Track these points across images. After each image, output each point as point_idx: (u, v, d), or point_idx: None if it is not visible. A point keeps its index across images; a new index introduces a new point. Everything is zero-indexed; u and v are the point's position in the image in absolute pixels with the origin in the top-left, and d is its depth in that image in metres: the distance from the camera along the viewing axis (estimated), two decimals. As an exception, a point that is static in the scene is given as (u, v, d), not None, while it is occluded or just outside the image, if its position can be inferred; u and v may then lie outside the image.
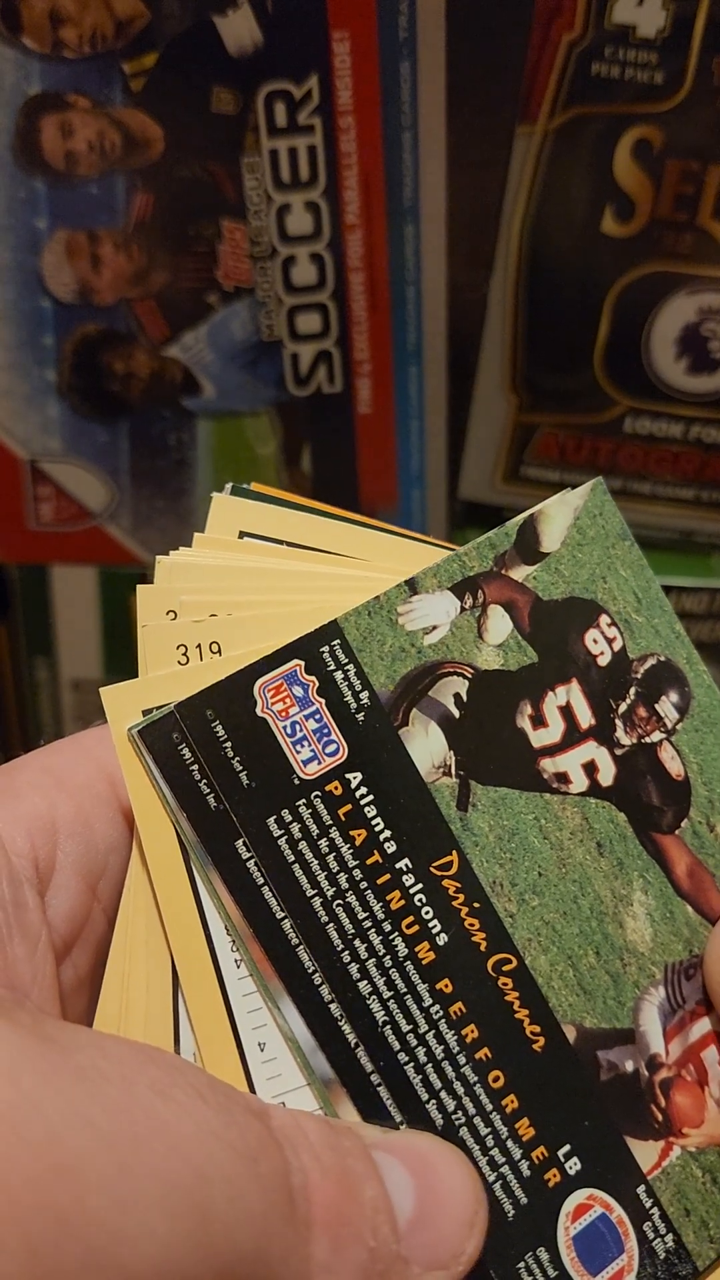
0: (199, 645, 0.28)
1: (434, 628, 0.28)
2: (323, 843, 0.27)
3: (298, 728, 0.27)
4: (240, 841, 0.27)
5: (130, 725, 0.27)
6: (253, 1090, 0.27)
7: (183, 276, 0.48)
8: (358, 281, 0.48)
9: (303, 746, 0.28)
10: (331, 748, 0.28)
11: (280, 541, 0.29)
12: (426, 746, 0.28)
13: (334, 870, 0.27)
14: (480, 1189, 0.26)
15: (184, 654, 0.28)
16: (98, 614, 0.56)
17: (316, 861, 0.27)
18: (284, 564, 0.29)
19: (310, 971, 0.27)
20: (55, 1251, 0.19)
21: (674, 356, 0.49)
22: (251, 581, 0.29)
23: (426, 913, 0.27)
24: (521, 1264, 0.27)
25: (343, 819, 0.27)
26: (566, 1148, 0.27)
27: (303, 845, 0.27)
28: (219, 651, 0.28)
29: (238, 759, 0.27)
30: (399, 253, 0.48)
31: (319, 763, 0.28)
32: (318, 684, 0.28)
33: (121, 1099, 0.21)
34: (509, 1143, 0.27)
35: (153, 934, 0.28)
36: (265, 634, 0.28)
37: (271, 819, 0.27)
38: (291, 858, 0.27)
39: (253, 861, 0.27)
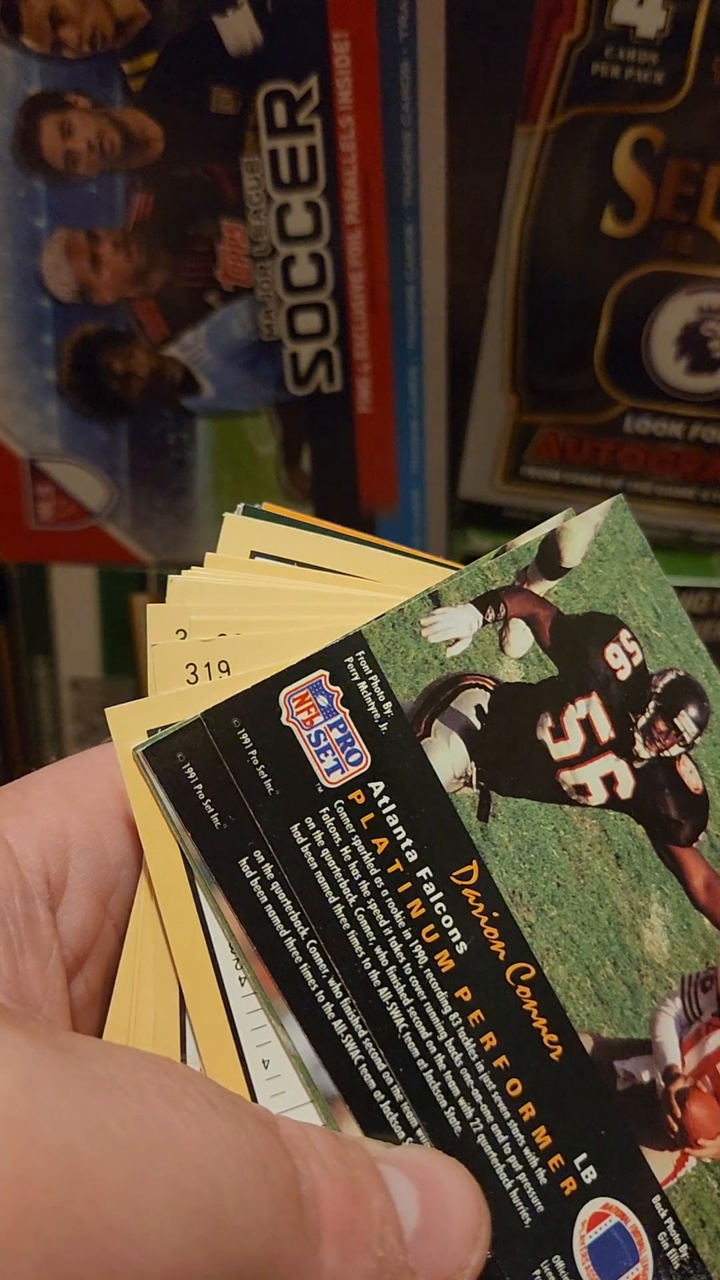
0: (208, 664, 0.28)
1: (456, 640, 0.29)
2: (345, 850, 0.28)
3: (322, 737, 0.28)
4: (244, 860, 0.28)
5: (135, 745, 0.28)
6: None
7: (182, 276, 0.48)
8: (357, 281, 0.48)
9: (326, 755, 0.28)
10: (355, 757, 0.28)
11: (291, 561, 0.30)
12: (448, 757, 0.28)
13: (356, 878, 0.28)
14: (483, 1202, 0.26)
15: (193, 673, 0.28)
16: (97, 613, 0.56)
17: (339, 869, 0.28)
18: (294, 584, 0.29)
19: (313, 989, 0.27)
20: (72, 1256, 0.20)
21: (674, 356, 0.49)
22: (262, 601, 0.29)
23: (447, 921, 0.28)
24: (537, 1271, 0.27)
25: (365, 827, 0.28)
26: (583, 1156, 0.28)
27: (325, 853, 0.28)
28: (228, 671, 0.28)
29: (263, 767, 0.28)
30: (399, 252, 0.48)
31: (342, 771, 0.28)
32: (342, 694, 0.28)
33: (135, 1108, 0.21)
34: (526, 1150, 0.28)
35: (160, 951, 0.28)
36: (275, 654, 0.28)
37: (295, 826, 0.28)
38: (315, 865, 0.28)
39: (256, 880, 0.28)
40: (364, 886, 0.28)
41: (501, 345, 0.49)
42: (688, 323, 0.48)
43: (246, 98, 0.45)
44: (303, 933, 0.28)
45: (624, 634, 0.30)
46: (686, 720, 0.30)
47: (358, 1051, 0.28)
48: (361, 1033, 0.27)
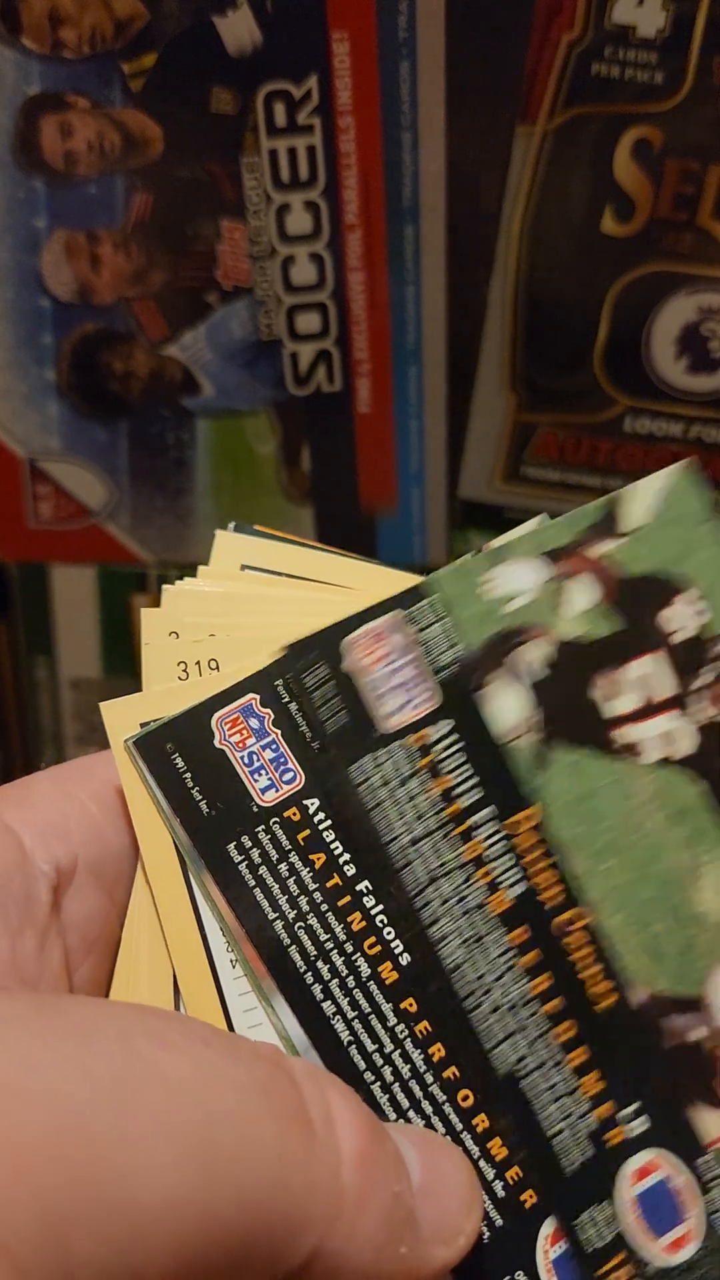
0: (199, 662, 0.30)
1: (518, 594, 0.29)
2: (403, 789, 0.29)
3: (394, 672, 0.29)
4: (232, 845, 0.28)
5: (126, 737, 0.29)
6: None
7: (182, 276, 0.48)
8: (357, 281, 0.48)
9: (398, 694, 0.29)
10: (420, 700, 0.29)
11: (279, 573, 0.31)
12: (506, 708, 0.29)
13: (412, 817, 0.29)
14: (476, 1178, 0.26)
15: (184, 670, 0.30)
16: (97, 613, 0.56)
17: (396, 810, 0.29)
18: (282, 590, 0.31)
19: (302, 971, 0.28)
20: (69, 1200, 0.20)
21: (674, 356, 0.49)
22: (251, 607, 0.30)
23: (503, 863, 0.29)
24: (585, 1215, 0.28)
25: (426, 769, 0.29)
26: (634, 1106, 0.28)
27: (384, 790, 0.29)
28: (217, 668, 0.30)
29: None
30: (399, 252, 0.48)
31: (411, 709, 0.29)
32: (413, 634, 0.29)
33: (118, 1049, 0.22)
34: (577, 1094, 0.28)
35: (155, 936, 0.29)
36: (261, 652, 0.29)
37: (354, 765, 0.29)
38: (373, 802, 0.29)
39: (245, 865, 0.28)
40: (431, 822, 0.29)
41: (501, 345, 0.49)
42: (687, 322, 0.48)
43: (246, 98, 0.45)
44: (290, 915, 0.28)
45: (688, 594, 0.30)
46: None
47: (347, 1033, 0.28)
48: (351, 1014, 0.28)
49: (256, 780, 0.29)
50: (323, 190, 0.46)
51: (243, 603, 0.30)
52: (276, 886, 0.28)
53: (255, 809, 0.29)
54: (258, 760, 0.29)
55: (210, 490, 0.53)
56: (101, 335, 0.49)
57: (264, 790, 0.29)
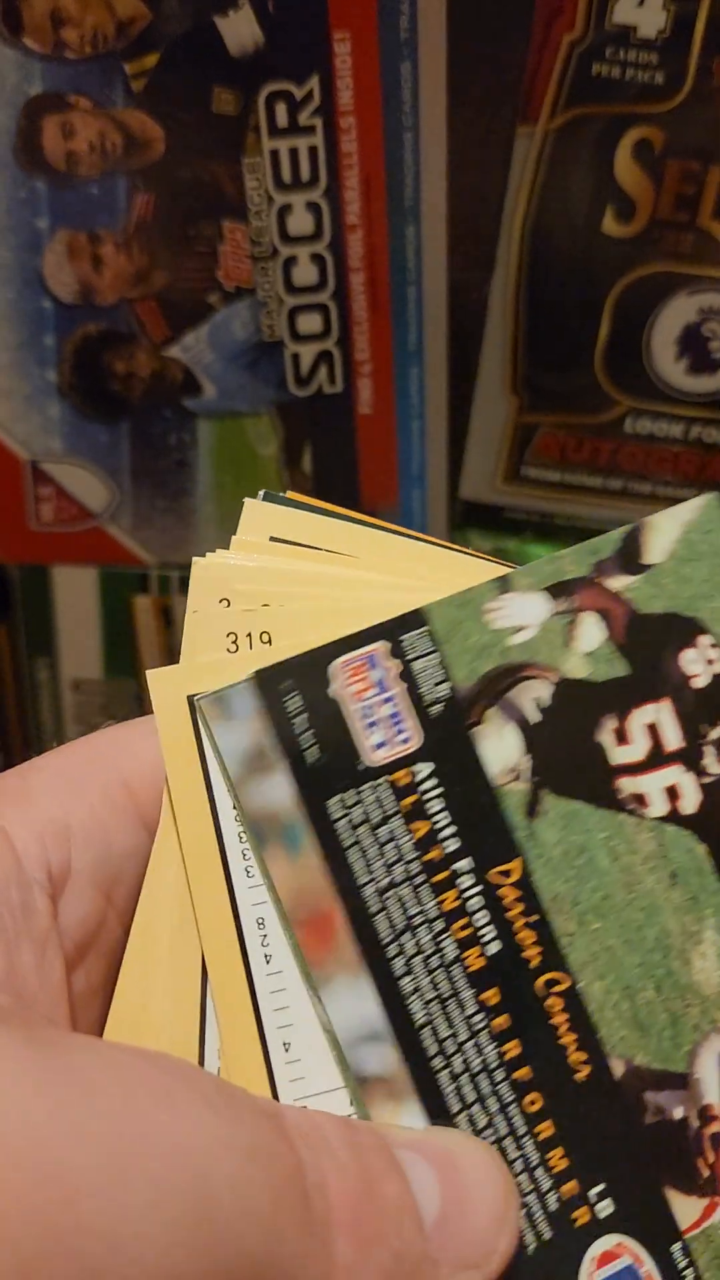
0: (250, 634, 0.28)
1: (522, 628, 0.28)
2: (381, 831, 0.27)
3: (371, 711, 0.27)
4: (334, 800, 0.27)
5: (202, 695, 0.27)
6: (274, 1091, 0.27)
7: (184, 277, 0.48)
8: (358, 282, 0.48)
9: (374, 730, 0.27)
10: (403, 736, 0.27)
11: (309, 546, 0.29)
12: (500, 748, 0.27)
13: (390, 861, 0.27)
14: (512, 1186, 0.25)
15: (234, 641, 0.28)
16: (98, 614, 0.56)
17: (375, 849, 0.27)
18: (332, 570, 0.29)
19: (386, 942, 0.27)
20: (48, 1264, 0.19)
21: (674, 357, 0.49)
22: (300, 585, 0.29)
23: (480, 918, 0.27)
24: None
25: (407, 809, 0.27)
26: (600, 1187, 0.26)
27: (362, 830, 0.27)
28: (269, 642, 0.28)
29: (306, 734, 0.27)
30: (400, 253, 0.48)
31: (389, 749, 0.27)
32: (398, 669, 0.27)
33: (117, 1106, 0.21)
34: (539, 1171, 0.26)
35: (174, 936, 0.27)
36: (318, 626, 0.28)
37: (332, 800, 0.27)
38: (350, 842, 0.27)
39: (344, 821, 0.27)
40: (397, 871, 0.27)
41: (502, 346, 0.49)
42: (688, 323, 0.48)
43: (248, 98, 0.45)
44: (383, 882, 0.27)
45: (706, 639, 0.28)
46: None
47: (423, 1014, 0.27)
48: (430, 995, 0.27)
49: (370, 735, 0.27)
50: (324, 191, 0.46)
51: (292, 579, 0.29)
52: (374, 850, 0.27)
53: (362, 766, 0.27)
54: (374, 714, 0.27)
55: (212, 491, 0.53)
56: (103, 336, 0.49)
57: (376, 747, 0.27)
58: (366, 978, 0.27)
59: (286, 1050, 0.27)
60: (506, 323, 0.49)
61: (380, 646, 0.27)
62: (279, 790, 0.27)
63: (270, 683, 0.27)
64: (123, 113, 0.45)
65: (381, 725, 0.27)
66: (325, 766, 0.27)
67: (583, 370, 0.50)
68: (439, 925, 0.27)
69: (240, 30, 0.44)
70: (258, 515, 0.29)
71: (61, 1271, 0.19)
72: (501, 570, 0.29)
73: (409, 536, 0.29)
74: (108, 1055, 0.22)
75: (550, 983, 0.27)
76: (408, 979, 0.27)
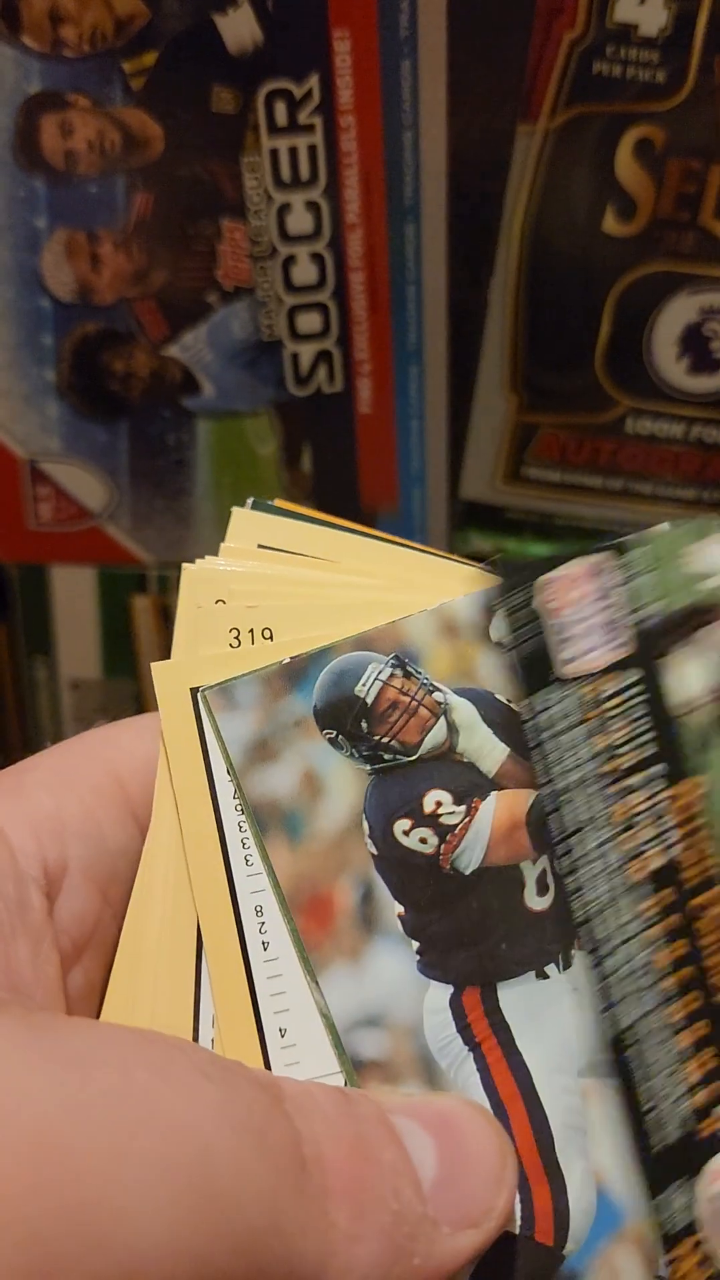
0: (251, 630, 0.29)
1: (713, 575, 0.29)
2: (574, 734, 0.28)
3: (584, 619, 0.28)
4: (538, 696, 0.28)
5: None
6: None
7: (182, 276, 0.48)
8: (358, 281, 0.48)
9: (584, 639, 0.28)
10: (610, 646, 0.28)
11: (297, 554, 0.30)
12: (684, 681, 0.29)
13: (577, 762, 0.28)
14: (507, 1145, 0.25)
15: (235, 637, 0.29)
16: (97, 614, 0.56)
17: (563, 750, 0.28)
18: (320, 575, 0.30)
19: (554, 841, 0.28)
20: (57, 1236, 0.19)
21: (675, 356, 0.49)
22: (292, 587, 0.30)
23: (661, 824, 0.28)
24: (664, 1196, 0.27)
25: (601, 714, 0.28)
26: None
27: (560, 727, 0.28)
28: (271, 637, 0.29)
29: (516, 635, 0.28)
30: (399, 252, 0.47)
31: (595, 656, 0.28)
32: (617, 581, 0.28)
33: (116, 1081, 0.21)
34: (676, 1076, 0.27)
35: (167, 929, 0.28)
36: (319, 622, 0.29)
37: (537, 697, 0.28)
38: (540, 740, 0.28)
39: (543, 716, 0.28)
40: (580, 773, 0.28)
41: (502, 345, 0.49)
42: (689, 323, 0.48)
43: (247, 97, 0.45)
44: (560, 785, 0.28)
45: None
46: None
47: (581, 914, 0.28)
48: (590, 896, 0.28)
49: (582, 641, 0.28)
50: (324, 190, 0.46)
51: (284, 582, 0.30)
52: (562, 751, 0.28)
53: (565, 670, 0.28)
54: (588, 618, 0.28)
55: (211, 491, 0.53)
56: (102, 335, 0.49)
57: (586, 651, 0.28)
58: (365, 961, 0.28)
59: (282, 1035, 0.27)
60: (506, 322, 0.49)
61: (605, 559, 0.29)
62: (281, 777, 0.28)
63: (514, 575, 0.28)
64: (121, 111, 0.45)
65: (597, 631, 0.28)
66: (534, 663, 0.28)
67: (583, 370, 0.49)
68: (620, 829, 0.28)
69: (239, 28, 0.43)
70: (246, 523, 0.30)
71: (70, 1241, 0.20)
72: (483, 575, 0.30)
73: (391, 542, 0.30)
74: (104, 1034, 0.22)
75: (707, 902, 0.28)
76: (586, 869, 0.28)
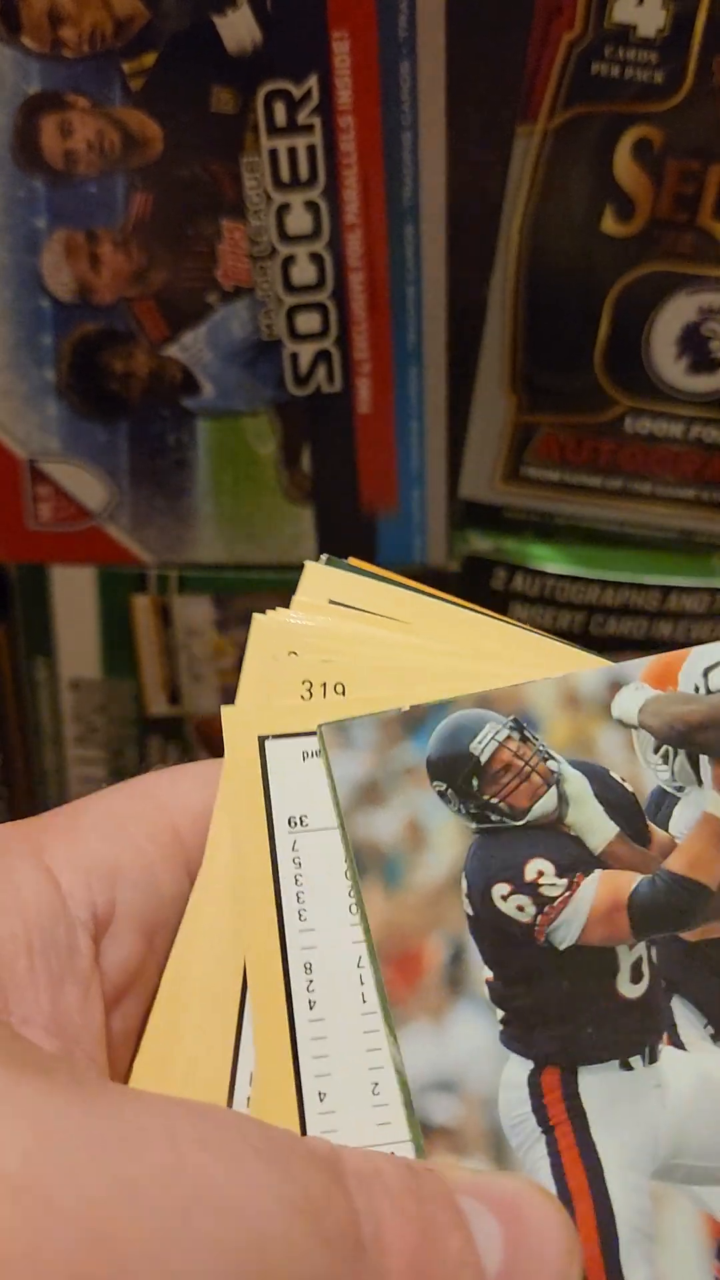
0: (324, 684, 0.29)
1: None
2: None
3: None
4: None
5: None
6: None
7: (182, 276, 0.48)
8: (357, 281, 0.48)
9: None
10: None
11: (368, 612, 0.30)
12: None
13: None
14: (576, 1241, 0.24)
15: (308, 690, 0.29)
16: (97, 614, 0.56)
17: None
18: (390, 635, 0.30)
19: None
20: None
21: (674, 356, 0.49)
22: (363, 645, 0.29)
23: None
24: None
25: None
26: None
27: None
28: (343, 693, 0.29)
29: None
30: (399, 252, 0.47)
31: None
32: None
33: (167, 1159, 0.20)
34: None
35: (209, 979, 0.27)
36: (393, 682, 0.28)
37: None
38: None
39: None
40: None
41: (501, 345, 0.49)
42: (688, 323, 0.48)
43: (246, 97, 0.45)
44: None
45: None
46: None
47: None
48: None
49: None
50: (323, 190, 0.46)
51: (360, 641, 0.29)
52: None
53: None
54: None
55: (210, 491, 0.53)
56: (101, 335, 0.49)
57: None
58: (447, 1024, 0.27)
59: (321, 1100, 0.26)
60: (506, 322, 0.49)
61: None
62: (386, 823, 0.28)
63: None
64: (121, 111, 0.45)
65: None
66: None
67: (582, 370, 0.49)
68: None
69: (238, 29, 0.43)
70: (318, 578, 0.30)
71: None
72: (554, 644, 0.30)
73: (464, 607, 0.30)
74: (154, 1106, 0.21)
75: None
76: None
